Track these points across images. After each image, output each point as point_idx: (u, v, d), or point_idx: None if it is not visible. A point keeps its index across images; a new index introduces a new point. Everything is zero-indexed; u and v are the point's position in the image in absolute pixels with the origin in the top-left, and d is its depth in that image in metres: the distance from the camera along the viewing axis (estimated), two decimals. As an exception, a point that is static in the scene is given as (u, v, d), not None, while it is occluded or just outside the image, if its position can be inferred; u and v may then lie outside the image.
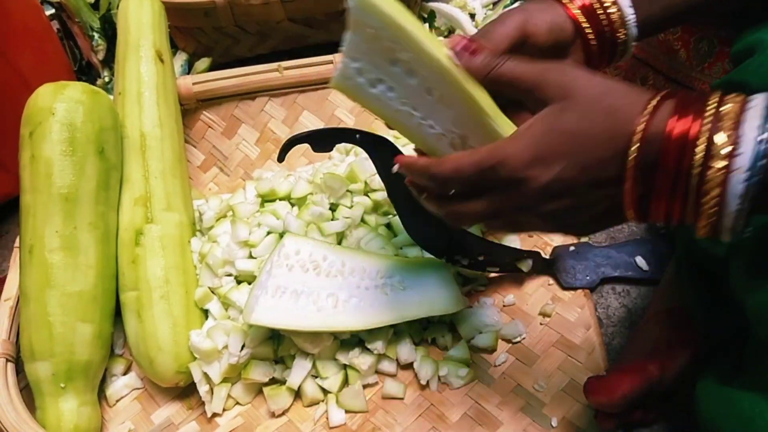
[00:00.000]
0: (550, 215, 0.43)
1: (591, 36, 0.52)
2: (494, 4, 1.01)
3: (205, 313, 0.70)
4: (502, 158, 0.41)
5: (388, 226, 0.74)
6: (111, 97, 0.77)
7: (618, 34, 0.52)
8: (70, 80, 0.97)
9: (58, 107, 0.67)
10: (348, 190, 0.73)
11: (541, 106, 0.42)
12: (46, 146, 0.66)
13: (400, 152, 0.53)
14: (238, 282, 0.69)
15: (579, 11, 0.52)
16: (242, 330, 0.64)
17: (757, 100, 0.38)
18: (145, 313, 0.66)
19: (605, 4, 0.52)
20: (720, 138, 0.37)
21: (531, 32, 0.50)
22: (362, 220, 0.72)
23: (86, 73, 1.06)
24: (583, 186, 0.41)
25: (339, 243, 0.71)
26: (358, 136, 0.53)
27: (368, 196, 0.73)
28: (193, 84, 0.85)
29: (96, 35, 0.99)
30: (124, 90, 0.76)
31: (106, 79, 0.99)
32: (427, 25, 0.99)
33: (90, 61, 1.03)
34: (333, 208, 0.72)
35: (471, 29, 0.94)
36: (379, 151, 0.53)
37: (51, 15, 1.05)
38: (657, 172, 0.39)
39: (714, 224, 0.38)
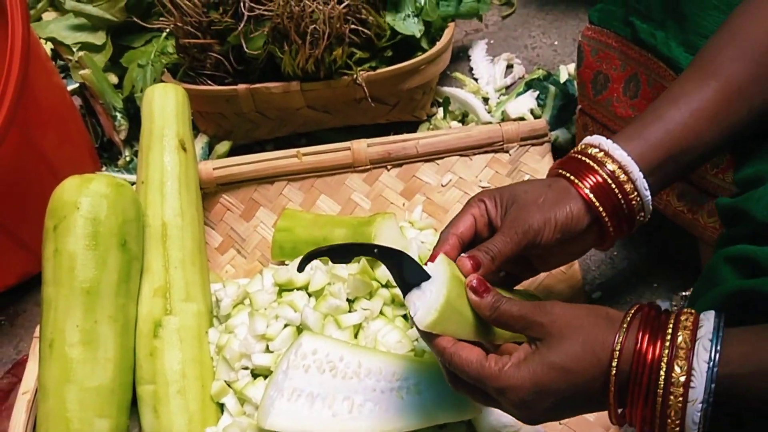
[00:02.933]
0: (539, 418, 0.50)
1: (606, 218, 0.56)
2: (507, 88, 1.03)
3: (221, 407, 0.69)
4: (506, 387, 0.48)
5: (405, 317, 0.74)
6: (133, 185, 0.79)
7: (633, 206, 0.56)
8: (92, 158, 1.00)
9: (83, 201, 0.68)
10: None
11: (535, 339, 0.49)
12: (70, 240, 0.67)
13: (417, 263, 0.54)
14: (255, 376, 0.69)
15: (592, 193, 0.55)
16: (258, 429, 0.64)
17: (707, 327, 0.44)
18: (162, 408, 0.65)
19: (620, 179, 0.54)
20: (677, 369, 0.43)
21: (537, 240, 0.55)
22: (380, 312, 0.72)
23: (107, 150, 1.08)
24: (571, 404, 0.49)
25: (356, 335, 0.71)
26: (376, 250, 0.54)
27: (388, 288, 0.73)
28: (214, 169, 0.87)
29: (119, 115, 1.02)
30: (147, 179, 0.78)
31: (128, 158, 1.01)
32: (441, 109, 1.01)
33: (112, 139, 1.05)
34: (350, 299, 0.73)
35: (484, 115, 0.95)
36: (397, 263, 0.54)
37: (73, 90, 1.08)
38: (630, 392, 0.45)
39: None
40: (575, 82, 0.83)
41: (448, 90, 1.01)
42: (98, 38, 1.03)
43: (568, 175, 0.57)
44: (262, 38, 0.85)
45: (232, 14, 0.86)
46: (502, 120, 0.95)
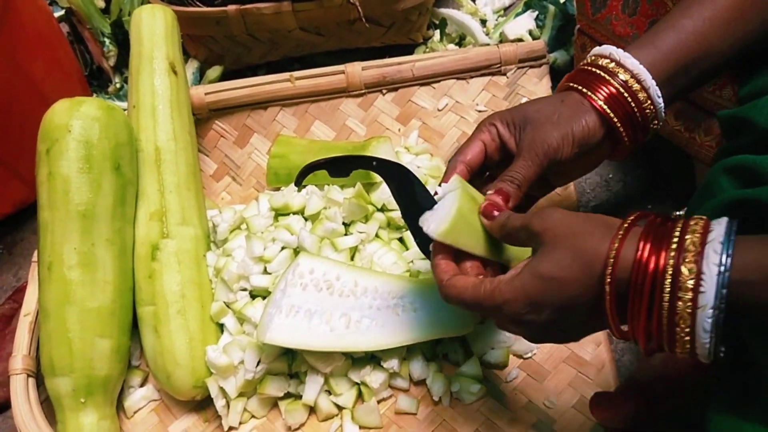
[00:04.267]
0: (542, 335, 0.50)
1: (621, 128, 0.54)
2: (505, 9, 1.01)
3: (221, 327, 0.71)
4: (500, 303, 0.48)
5: (401, 240, 0.74)
6: (125, 109, 0.78)
7: (647, 114, 0.54)
8: (82, 86, 0.99)
9: (74, 124, 0.67)
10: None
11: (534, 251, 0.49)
12: (63, 163, 0.66)
13: (415, 177, 0.54)
14: (253, 297, 0.70)
15: (606, 104, 0.53)
16: (257, 346, 0.65)
17: (718, 231, 0.41)
18: (162, 328, 0.67)
19: (633, 88, 0.53)
20: (684, 271, 0.40)
21: (557, 157, 0.54)
22: (376, 235, 0.73)
23: (97, 77, 1.06)
24: (570, 318, 0.47)
25: (352, 257, 0.71)
26: (374, 163, 0.54)
27: (384, 212, 0.74)
28: (206, 94, 0.86)
29: (107, 41, 0.99)
30: (138, 103, 0.76)
31: (118, 85, 0.99)
32: (438, 32, 0.99)
33: (101, 66, 1.03)
34: (346, 222, 0.73)
35: (482, 37, 0.93)
36: (395, 176, 0.54)
37: (60, 17, 1.04)
38: (630, 305, 0.43)
39: (690, 350, 0.41)
40: (574, 1, 0.81)
41: (444, 11, 0.98)
42: (82, -40, 0.99)
43: (580, 87, 0.56)
44: (251, -45, 0.82)
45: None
46: (500, 42, 0.93)
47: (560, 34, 0.89)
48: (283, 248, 0.71)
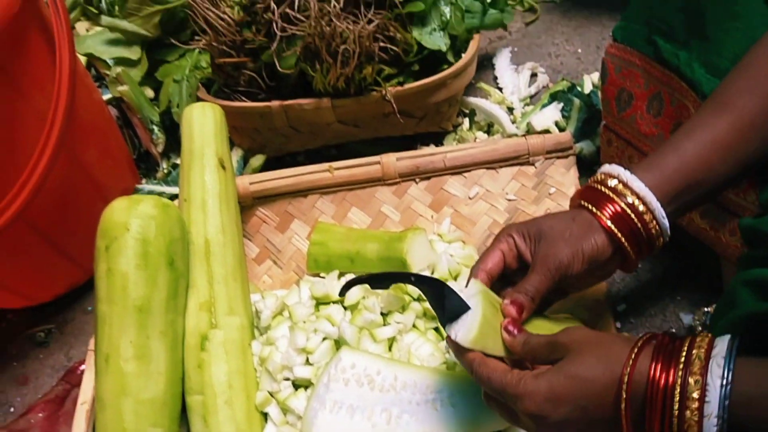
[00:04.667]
0: None
1: (627, 246, 0.59)
2: (531, 97, 1.05)
3: (265, 416, 0.73)
4: (522, 393, 0.51)
5: (436, 329, 0.77)
6: (175, 201, 0.83)
7: (653, 233, 0.58)
8: (131, 170, 1.05)
9: (132, 223, 0.72)
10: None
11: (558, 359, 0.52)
12: (121, 261, 0.71)
13: (450, 289, 0.57)
14: (296, 387, 0.73)
15: (613, 224, 0.58)
16: (302, 438, 0.68)
17: (720, 347, 0.46)
18: (211, 418, 0.70)
19: (639, 209, 0.57)
20: (691, 382, 0.45)
21: (568, 273, 0.59)
22: (413, 325, 0.76)
23: (144, 160, 1.12)
24: (587, 420, 0.50)
25: (390, 347, 0.74)
26: (413, 278, 0.58)
27: (420, 302, 0.77)
28: (251, 184, 0.91)
29: (156, 128, 1.06)
30: (190, 197, 0.81)
31: (166, 171, 1.05)
32: (467, 120, 1.04)
33: (149, 150, 1.09)
34: (384, 313, 0.76)
35: (509, 127, 0.98)
36: (432, 289, 0.58)
37: (108, 100, 1.11)
38: (646, 413, 0.47)
39: None
40: (599, 94, 0.85)
41: (473, 100, 1.03)
42: (133, 53, 1.07)
43: (589, 206, 0.60)
44: (294, 57, 0.88)
45: (264, 33, 0.89)
46: (528, 132, 0.97)
47: (586, 125, 0.93)
48: (324, 339, 0.74)
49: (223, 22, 0.90)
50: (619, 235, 0.59)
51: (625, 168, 0.60)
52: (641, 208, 0.58)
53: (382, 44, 0.88)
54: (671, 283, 0.79)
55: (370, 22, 0.86)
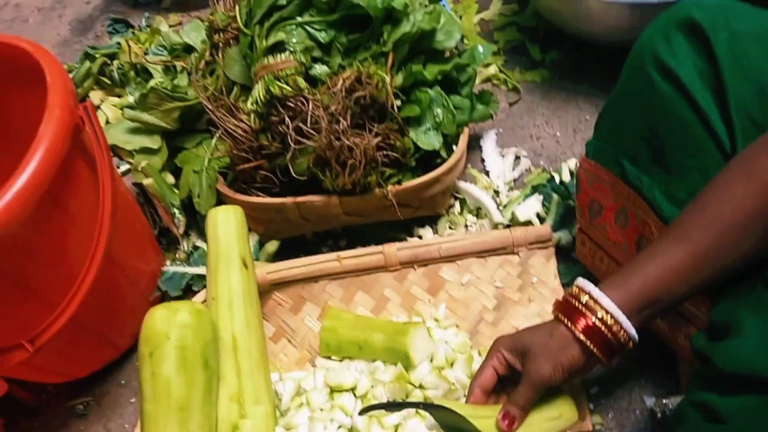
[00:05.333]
0: None
1: (598, 353, 0.69)
2: (515, 180, 1.16)
3: (290, 497, 0.84)
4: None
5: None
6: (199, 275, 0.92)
7: (622, 341, 0.69)
8: (155, 250, 1.14)
9: (172, 332, 0.81)
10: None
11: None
12: (164, 366, 0.81)
13: (453, 411, 0.69)
14: (316, 469, 0.84)
15: (585, 335, 0.68)
16: None
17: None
18: (245, 500, 0.81)
19: (608, 322, 0.67)
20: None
21: (551, 383, 0.71)
22: (416, 412, 0.87)
23: (164, 234, 1.22)
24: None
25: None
26: (421, 407, 0.70)
27: (422, 389, 0.88)
28: (268, 274, 1.01)
29: (177, 212, 1.15)
30: (217, 296, 0.92)
31: (187, 251, 1.15)
32: (458, 203, 1.14)
33: (169, 228, 1.18)
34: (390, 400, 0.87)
35: (496, 215, 1.08)
36: (439, 413, 0.70)
37: (123, 172, 1.20)
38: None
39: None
40: (575, 201, 0.96)
41: (463, 186, 1.13)
42: (154, 142, 1.15)
43: (565, 320, 0.71)
44: (306, 163, 0.98)
45: (279, 141, 0.99)
46: (512, 221, 1.08)
47: (564, 218, 1.03)
48: (339, 427, 0.85)
49: (240, 130, 0.99)
50: (591, 345, 0.69)
51: (594, 285, 0.71)
52: (610, 321, 0.69)
53: (384, 152, 0.98)
54: (637, 369, 0.91)
55: (375, 135, 0.96)
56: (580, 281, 0.72)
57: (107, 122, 1.39)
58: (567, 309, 0.72)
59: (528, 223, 1.05)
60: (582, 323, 0.69)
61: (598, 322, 0.69)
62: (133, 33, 1.57)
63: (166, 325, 0.82)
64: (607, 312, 0.69)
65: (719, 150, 0.74)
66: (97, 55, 1.45)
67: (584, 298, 0.70)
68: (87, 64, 1.45)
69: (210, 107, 0.99)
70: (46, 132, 0.77)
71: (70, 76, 1.44)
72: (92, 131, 0.88)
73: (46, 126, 0.77)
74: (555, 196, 1.04)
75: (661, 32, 0.76)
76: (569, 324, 0.70)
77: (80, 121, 0.87)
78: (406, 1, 0.96)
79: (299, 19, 0.98)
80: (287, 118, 0.95)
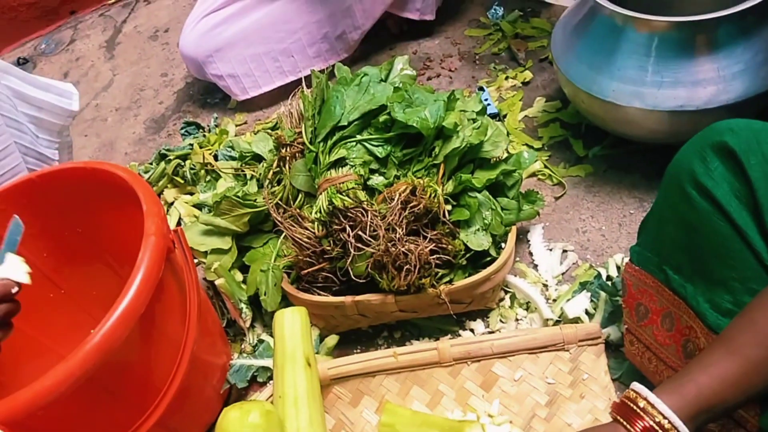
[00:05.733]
0: None
1: None
2: (563, 274, 1.20)
3: None
4: None
5: None
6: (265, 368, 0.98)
7: None
8: (224, 344, 1.21)
9: (244, 432, 0.89)
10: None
11: None
12: (236, 465, 0.87)
13: None
14: None
15: None
16: None
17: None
18: None
19: (665, 426, 0.70)
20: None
21: None
22: None
23: (230, 326, 1.30)
24: None
25: None
26: None
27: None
28: (328, 369, 1.07)
29: (244, 307, 1.23)
30: (284, 395, 0.98)
31: (252, 345, 1.22)
32: (508, 297, 1.19)
33: (237, 322, 1.27)
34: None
35: (546, 311, 1.12)
36: None
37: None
38: None
39: None
40: (622, 304, 0.99)
41: (513, 281, 1.18)
42: (225, 243, 1.25)
43: (624, 422, 0.73)
44: (364, 266, 1.05)
45: (341, 246, 1.07)
46: (561, 316, 1.11)
47: (612, 315, 1.07)
48: None
49: (305, 237, 1.08)
50: None
51: (650, 390, 0.73)
52: (667, 425, 0.71)
53: (437, 255, 1.05)
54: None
55: (429, 240, 1.03)
56: (637, 386, 0.75)
57: (180, 219, 1.51)
58: (625, 411, 0.74)
59: (577, 319, 1.09)
60: (640, 425, 0.72)
61: (656, 426, 0.71)
62: (204, 135, 1.70)
63: (239, 426, 0.89)
64: (664, 417, 0.71)
65: (758, 262, 0.77)
66: (171, 156, 1.59)
67: (641, 403, 0.73)
68: (162, 165, 1.58)
69: (278, 217, 1.08)
70: (144, 259, 0.85)
71: (147, 175, 1.59)
72: (182, 253, 0.98)
73: (144, 253, 0.86)
74: (603, 294, 1.08)
75: (698, 154, 0.82)
76: (628, 426, 0.73)
77: (172, 244, 0.96)
78: (455, 121, 1.04)
79: (359, 137, 1.07)
80: (348, 227, 1.03)
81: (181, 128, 1.73)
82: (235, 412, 0.91)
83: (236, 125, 1.78)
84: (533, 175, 1.38)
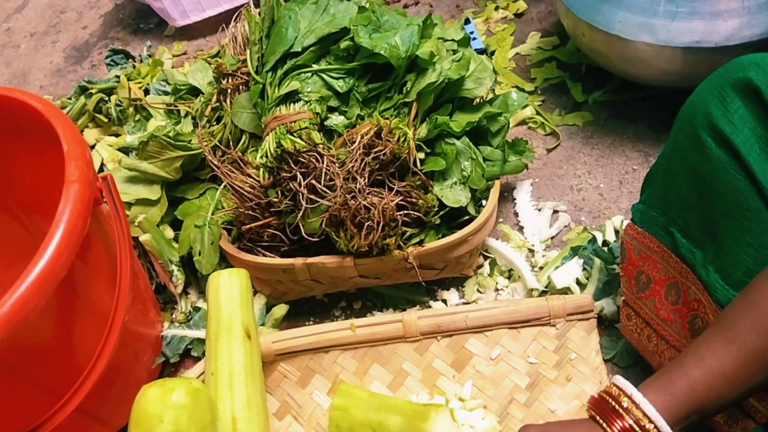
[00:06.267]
0: None
1: None
2: (552, 238, 1.17)
3: None
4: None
5: None
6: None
7: None
8: (156, 312, 1.16)
9: (165, 415, 0.83)
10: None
11: None
12: (157, 452, 0.83)
13: None
14: None
15: None
16: None
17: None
18: None
19: (646, 426, 0.67)
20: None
21: None
22: None
23: (160, 292, 1.24)
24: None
25: None
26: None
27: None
28: (273, 343, 1.03)
29: (175, 269, 1.18)
30: (217, 371, 0.93)
31: (185, 313, 1.17)
32: (488, 263, 1.15)
33: (167, 287, 1.21)
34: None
35: (530, 280, 1.09)
36: None
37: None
38: None
39: None
40: (620, 272, 0.97)
41: (494, 245, 1.15)
42: (153, 192, 1.19)
43: (600, 421, 0.71)
44: (318, 222, 1.00)
45: (290, 197, 1.02)
46: (548, 286, 1.08)
47: (607, 285, 1.04)
48: None
49: (248, 186, 1.02)
50: None
51: (635, 387, 0.71)
52: (648, 425, 0.68)
53: (405, 211, 1.00)
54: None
55: (395, 193, 0.98)
56: (619, 381, 0.72)
57: (102, 165, 1.44)
58: (604, 409, 0.72)
59: (566, 290, 1.06)
60: (618, 425, 0.69)
61: (635, 425, 0.69)
62: (134, 65, 1.62)
63: (160, 406, 0.84)
64: (649, 420, 0.69)
65: None
66: (93, 90, 1.51)
67: (624, 401, 0.70)
68: (82, 99, 1.50)
69: (215, 162, 1.02)
70: (65, 211, 0.78)
71: (65, 111, 1.50)
72: (112, 205, 0.91)
73: (65, 204, 0.78)
74: (597, 261, 1.05)
75: (716, 93, 0.78)
76: (605, 426, 0.70)
77: (99, 194, 0.89)
78: (431, 50, 0.99)
79: (315, 66, 1.01)
80: (299, 175, 0.97)
81: (107, 57, 1.65)
82: (155, 390, 0.86)
83: (173, 56, 1.70)
84: (523, 122, 1.35)
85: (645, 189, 0.90)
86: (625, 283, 0.94)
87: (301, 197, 0.98)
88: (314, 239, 1.02)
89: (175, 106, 1.25)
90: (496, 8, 1.59)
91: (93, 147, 1.48)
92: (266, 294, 1.14)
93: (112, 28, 1.89)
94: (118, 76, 1.55)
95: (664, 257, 0.87)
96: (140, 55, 1.71)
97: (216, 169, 1.02)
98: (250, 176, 1.02)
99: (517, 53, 1.49)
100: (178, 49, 1.73)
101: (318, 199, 0.98)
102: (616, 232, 1.13)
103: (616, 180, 1.23)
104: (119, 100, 1.48)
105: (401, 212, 1.00)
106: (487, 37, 1.53)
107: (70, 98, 1.56)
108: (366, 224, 0.97)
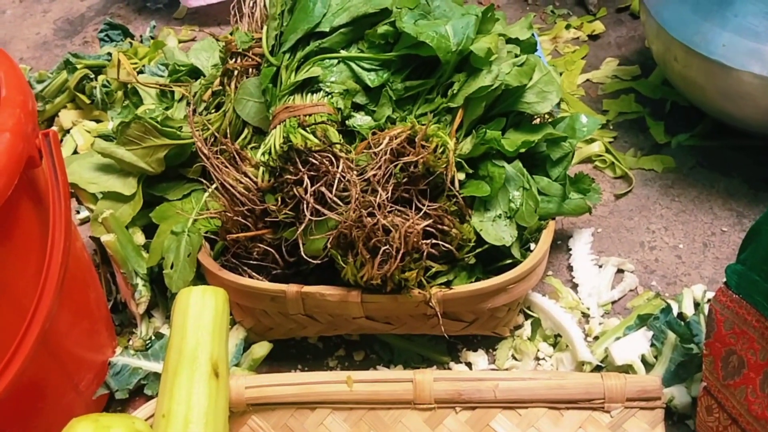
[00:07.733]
0: None
1: None
2: (613, 303, 1.09)
3: None
4: None
5: None
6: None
7: None
8: (108, 332, 1.08)
9: (97, 459, 0.75)
10: None
11: None
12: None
13: None
14: None
15: None
16: None
17: None
18: None
19: None
20: None
21: None
22: None
23: (118, 311, 1.16)
24: None
25: None
26: None
27: None
28: (246, 388, 0.94)
29: (140, 283, 1.10)
30: (170, 413, 0.84)
31: (144, 339, 1.09)
32: (529, 324, 1.06)
33: (127, 306, 1.13)
34: None
35: (582, 350, 1.01)
36: None
37: (81, 221, 1.15)
38: None
39: None
40: (702, 347, 0.88)
41: (539, 301, 1.07)
42: (127, 187, 1.13)
43: None
44: (323, 241, 0.93)
45: (292, 206, 0.94)
46: (604, 360, 1.01)
47: (681, 368, 0.96)
48: None
49: (242, 187, 0.95)
50: None
51: None
52: None
53: (433, 241, 0.92)
54: None
55: (424, 215, 0.90)
56: None
57: (75, 151, 1.38)
58: None
59: (628, 368, 1.00)
60: None
61: None
62: (131, 44, 1.59)
63: (90, 448, 0.75)
64: None
65: None
66: (78, 66, 1.47)
67: None
68: (64, 74, 1.47)
69: (205, 151, 0.95)
70: None
71: (41, 86, 1.47)
72: (51, 169, 0.86)
73: None
74: (671, 335, 0.99)
75: None
76: None
77: (37, 153, 0.84)
78: (489, 47, 0.94)
79: (343, 52, 0.98)
80: (306, 179, 0.91)
81: (101, 31, 1.64)
82: (86, 425, 0.78)
83: (180, 41, 1.67)
84: (588, 160, 1.33)
85: (746, 247, 0.84)
86: (709, 364, 0.86)
87: (305, 207, 0.92)
88: (315, 262, 0.95)
89: (170, 88, 1.19)
90: (567, 27, 1.58)
91: (68, 131, 1.45)
92: (247, 327, 1.06)
93: (114, 3, 1.88)
94: (110, 54, 1.51)
95: (766, 335, 0.79)
96: (141, 36, 1.69)
97: (205, 159, 0.95)
98: (246, 175, 0.96)
99: (587, 80, 1.48)
100: (187, 35, 1.71)
101: (326, 212, 0.91)
102: (696, 304, 1.07)
103: (699, 241, 1.18)
104: (107, 81, 1.44)
105: (428, 241, 0.93)
106: (554, 58, 1.51)
107: (52, 73, 1.52)
108: (382, 249, 0.90)
